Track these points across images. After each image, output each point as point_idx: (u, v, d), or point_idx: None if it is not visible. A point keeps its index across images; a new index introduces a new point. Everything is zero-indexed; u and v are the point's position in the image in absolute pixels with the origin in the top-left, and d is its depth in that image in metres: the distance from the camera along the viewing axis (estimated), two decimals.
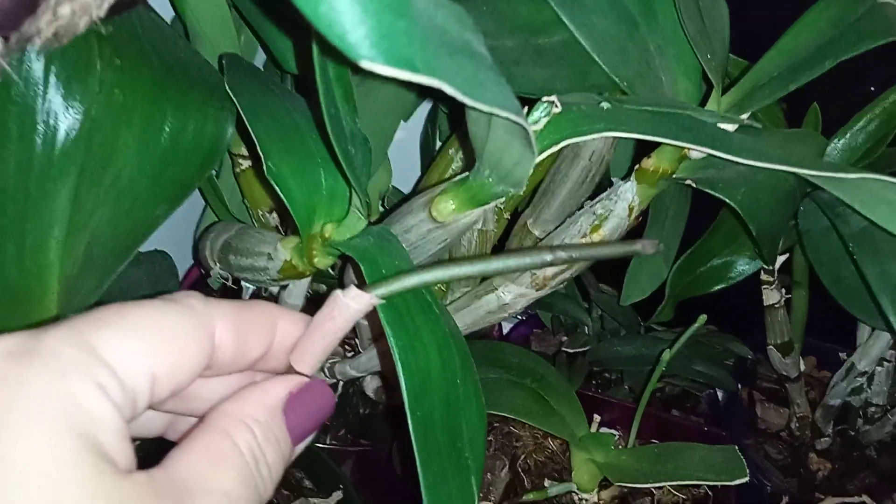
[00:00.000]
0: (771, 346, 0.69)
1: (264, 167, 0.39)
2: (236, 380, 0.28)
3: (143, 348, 0.22)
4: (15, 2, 0.26)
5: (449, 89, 0.21)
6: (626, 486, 0.61)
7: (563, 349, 0.77)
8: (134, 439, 0.28)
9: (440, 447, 0.34)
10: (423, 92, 0.62)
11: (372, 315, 0.31)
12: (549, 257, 0.30)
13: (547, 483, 0.60)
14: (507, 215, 0.60)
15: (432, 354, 0.34)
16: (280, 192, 0.39)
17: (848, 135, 0.63)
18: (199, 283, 0.74)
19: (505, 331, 0.86)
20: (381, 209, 0.70)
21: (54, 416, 0.19)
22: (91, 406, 0.20)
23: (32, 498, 0.18)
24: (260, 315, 0.27)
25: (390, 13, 0.19)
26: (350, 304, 0.28)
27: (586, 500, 0.59)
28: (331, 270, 0.56)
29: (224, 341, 0.25)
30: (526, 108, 0.38)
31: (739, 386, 0.77)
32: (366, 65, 0.19)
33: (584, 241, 0.50)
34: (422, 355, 0.33)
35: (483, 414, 0.38)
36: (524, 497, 0.59)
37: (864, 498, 0.63)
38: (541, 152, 0.36)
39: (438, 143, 0.73)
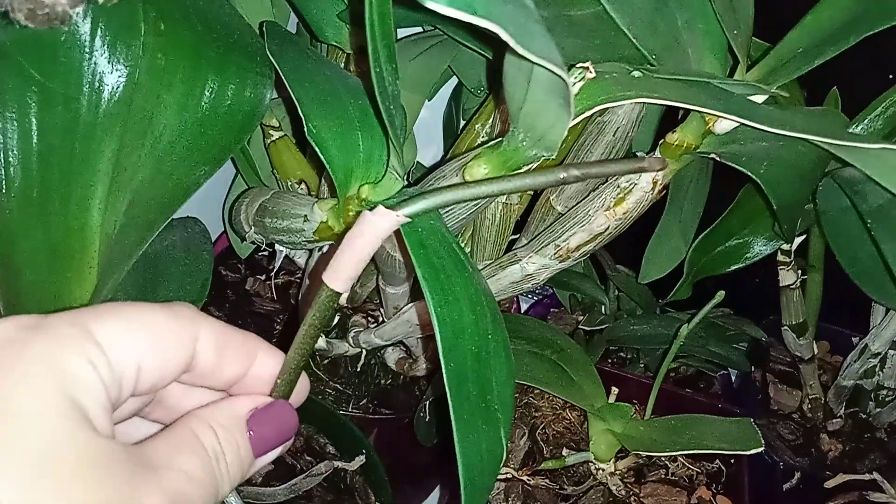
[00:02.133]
0: (786, 327, 0.70)
1: (305, 129, 0.41)
2: (209, 398, 0.31)
3: (133, 337, 0.25)
4: None
5: (504, 34, 0.22)
6: (641, 457, 0.62)
7: (581, 327, 0.78)
8: None
9: (472, 398, 0.35)
10: (477, 40, 0.63)
11: (411, 275, 0.32)
12: (562, 174, 0.31)
13: (565, 452, 0.62)
14: (530, 191, 0.61)
15: (465, 309, 0.35)
16: (320, 153, 0.40)
17: (866, 120, 0.63)
18: (227, 252, 0.75)
19: (523, 309, 0.88)
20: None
21: (47, 376, 0.22)
22: (79, 375, 0.23)
23: (23, 435, 0.21)
24: (243, 338, 0.29)
25: None
26: (378, 221, 0.29)
27: (603, 469, 0.61)
28: None
29: (204, 349, 0.27)
30: None
31: (753, 367, 0.78)
32: (431, 5, 0.20)
33: (607, 213, 0.51)
34: (455, 310, 0.34)
35: (512, 371, 0.39)
36: (542, 465, 0.61)
37: (875, 475, 0.64)
38: (576, 116, 0.38)
39: (462, 122, 0.75)
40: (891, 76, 0.73)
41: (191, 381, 0.29)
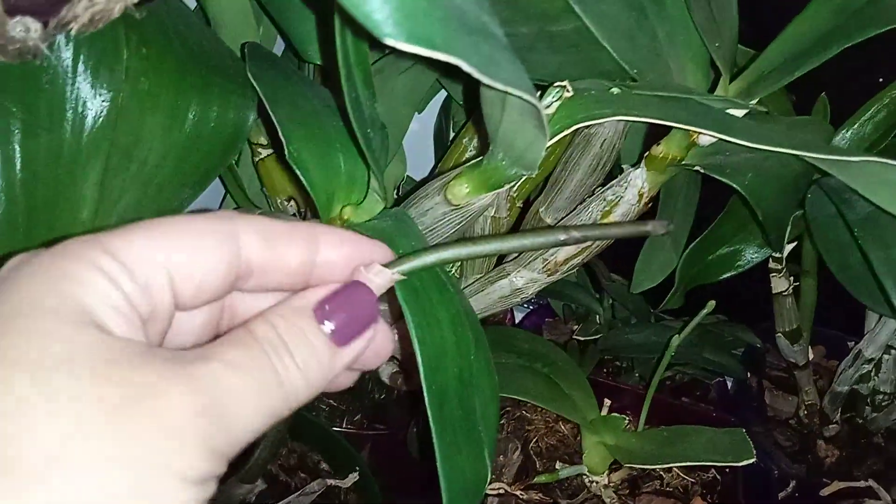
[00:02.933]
0: (779, 334, 0.70)
1: (286, 152, 0.41)
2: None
3: (156, 244, 0.23)
4: None
5: (466, 66, 0.22)
6: (635, 469, 0.62)
7: (575, 337, 0.78)
8: None
9: (454, 420, 0.35)
10: (445, 72, 0.63)
11: (391, 298, 0.32)
12: (562, 236, 0.31)
13: (558, 465, 0.62)
14: (519, 203, 0.61)
15: (447, 331, 0.35)
16: (301, 176, 0.40)
17: (856, 125, 0.63)
18: None
19: (517, 320, 0.87)
20: (395, 198, 0.71)
21: (47, 280, 0.21)
22: (86, 281, 0.22)
23: (16, 336, 0.20)
24: (292, 226, 0.27)
25: None
26: (372, 280, 0.29)
27: (597, 482, 0.61)
28: None
29: (250, 245, 0.25)
30: (539, 93, 0.39)
31: (748, 374, 0.78)
32: (389, 42, 0.20)
33: (598, 223, 0.51)
34: (437, 332, 0.34)
35: (495, 390, 0.39)
36: (536, 479, 0.60)
37: (870, 482, 0.64)
38: (553, 136, 0.38)
39: (452, 134, 0.75)
40: (880, 80, 0.73)
41: (259, 284, 0.26)
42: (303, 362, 0.24)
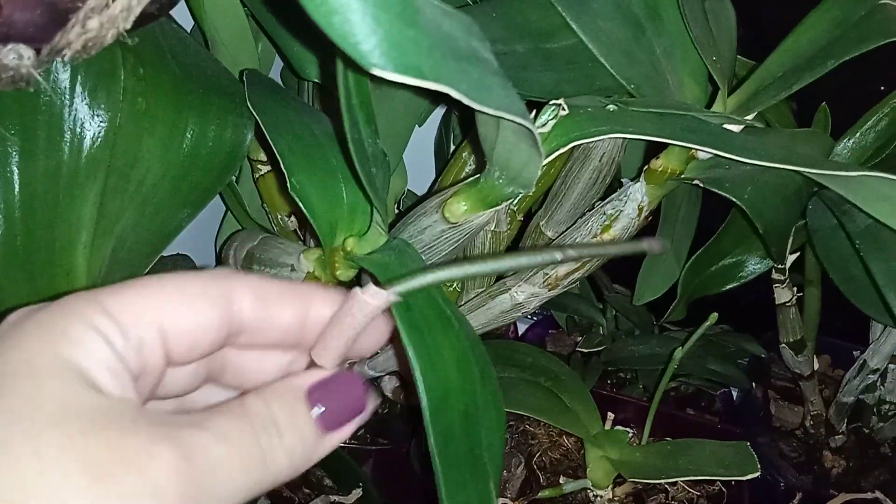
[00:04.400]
0: (783, 345, 0.70)
1: (288, 184, 0.41)
2: (283, 358, 0.29)
3: (149, 303, 0.24)
4: (46, 16, 0.28)
5: (455, 93, 0.22)
6: (639, 483, 0.62)
7: (578, 349, 0.78)
8: None
9: (459, 457, 0.34)
10: (437, 97, 0.63)
11: (395, 339, 0.32)
12: (559, 255, 0.31)
13: (562, 480, 0.61)
14: (520, 217, 0.61)
15: (452, 370, 0.34)
16: (303, 208, 0.40)
17: (857, 134, 0.63)
18: None
19: (521, 332, 0.87)
20: (396, 213, 0.71)
21: (42, 338, 0.22)
22: (81, 340, 0.22)
23: (7, 393, 0.21)
24: (286, 286, 0.27)
25: (400, 23, 0.21)
26: (368, 301, 0.29)
27: (601, 496, 0.60)
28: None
29: (243, 302, 0.26)
30: (535, 111, 0.39)
31: (754, 384, 0.78)
32: (377, 72, 0.20)
33: (594, 240, 0.51)
34: (441, 373, 0.33)
35: (502, 419, 0.39)
36: (540, 494, 0.60)
37: (878, 494, 0.63)
38: (550, 154, 0.38)
39: (452, 147, 0.75)
40: (882, 88, 0.72)
41: (251, 341, 0.27)
42: (289, 445, 0.25)
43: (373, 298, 0.29)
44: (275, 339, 0.27)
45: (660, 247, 0.32)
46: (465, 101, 0.23)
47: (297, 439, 0.25)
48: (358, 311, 0.29)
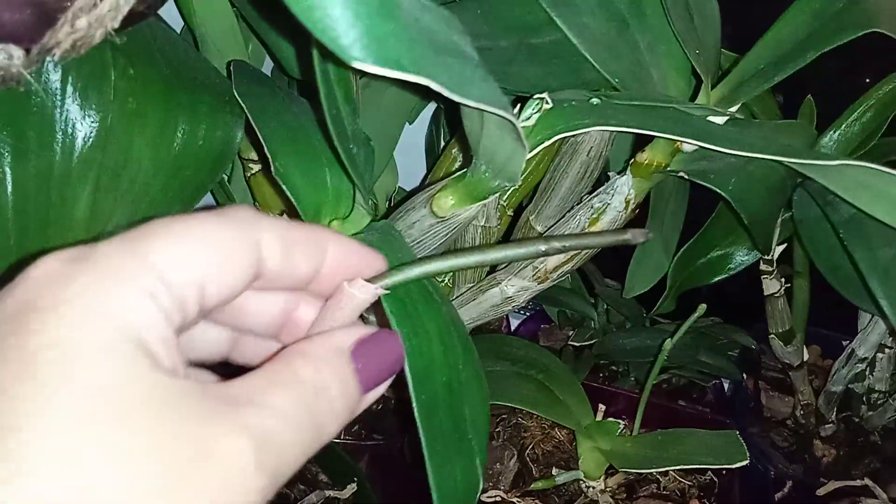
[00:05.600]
0: (772, 336, 0.70)
1: (272, 167, 0.41)
2: (290, 298, 0.29)
3: (191, 256, 0.22)
4: (35, 16, 0.28)
5: (435, 86, 0.23)
6: (631, 473, 0.62)
7: (570, 343, 0.78)
8: (201, 364, 0.28)
9: (444, 430, 0.36)
10: (426, 94, 0.64)
11: (378, 309, 0.32)
12: (543, 247, 0.32)
13: (554, 472, 0.62)
14: (510, 212, 0.62)
15: (434, 341, 0.36)
16: (287, 191, 0.41)
17: (843, 126, 0.64)
18: None
19: (513, 326, 0.88)
20: (387, 210, 0.71)
21: (103, 314, 0.20)
22: (138, 310, 0.21)
23: (78, 378, 0.19)
24: (309, 233, 0.27)
25: (379, 17, 0.21)
26: (356, 294, 0.29)
27: (593, 487, 0.61)
28: None
29: (271, 251, 0.25)
30: (519, 106, 0.40)
31: (744, 375, 0.78)
32: (357, 65, 0.21)
33: (579, 232, 0.52)
34: (425, 342, 0.35)
35: (485, 397, 0.40)
36: (532, 486, 0.61)
37: (867, 481, 0.64)
38: (534, 147, 0.38)
39: (443, 144, 0.75)
40: (867, 80, 0.73)
41: (262, 286, 0.26)
42: (339, 410, 0.25)
43: (361, 292, 0.29)
44: (289, 285, 0.27)
45: (644, 236, 0.32)
46: (446, 93, 0.23)
47: (346, 404, 0.25)
48: (347, 304, 0.30)
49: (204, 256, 0.23)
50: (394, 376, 0.29)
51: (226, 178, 0.64)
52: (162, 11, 0.46)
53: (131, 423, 0.19)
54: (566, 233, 0.53)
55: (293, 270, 0.26)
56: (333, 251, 0.28)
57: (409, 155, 0.77)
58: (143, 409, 0.19)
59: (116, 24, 0.31)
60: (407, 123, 0.69)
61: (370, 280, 0.30)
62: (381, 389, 0.28)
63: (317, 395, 0.24)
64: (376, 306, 0.32)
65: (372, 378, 0.27)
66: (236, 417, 0.21)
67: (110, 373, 0.19)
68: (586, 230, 0.51)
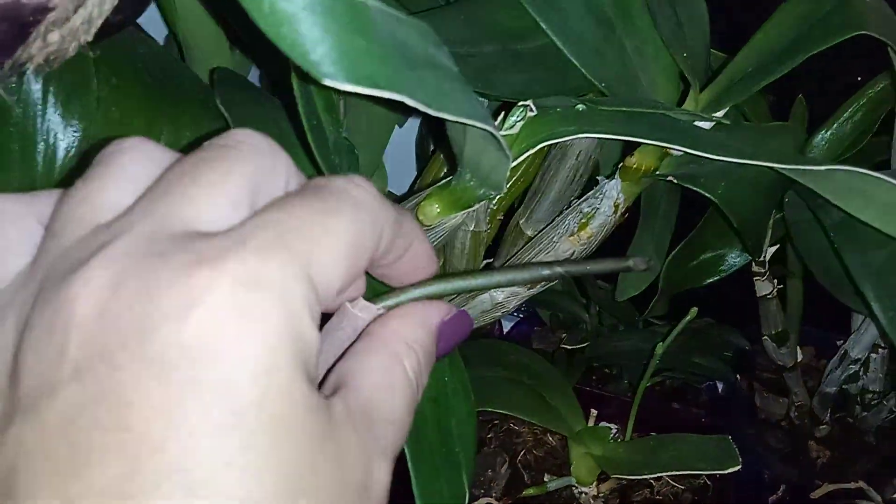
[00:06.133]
0: (766, 337, 0.70)
1: None
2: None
3: (340, 268, 0.21)
4: (7, 31, 0.28)
5: (411, 101, 0.22)
6: (624, 478, 0.62)
7: (563, 346, 0.78)
8: None
9: (431, 445, 0.35)
10: (406, 108, 0.63)
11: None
12: (546, 272, 0.32)
13: (547, 478, 0.62)
14: (500, 216, 0.61)
15: None
16: None
17: (835, 125, 0.63)
18: None
19: (506, 329, 0.87)
20: None
21: (285, 349, 0.19)
22: (309, 336, 0.20)
23: (256, 422, 0.18)
24: (411, 227, 0.26)
25: (349, 32, 0.21)
26: (359, 315, 0.29)
27: (585, 493, 0.61)
28: None
29: (384, 243, 0.24)
30: (504, 113, 0.39)
31: (738, 377, 0.78)
32: (328, 82, 0.20)
33: (571, 238, 0.51)
34: None
35: (472, 408, 0.39)
36: (525, 492, 0.60)
37: (861, 483, 0.64)
38: (519, 155, 0.38)
39: (432, 147, 0.75)
40: (859, 79, 0.73)
41: None
42: (423, 379, 0.26)
43: (362, 312, 0.29)
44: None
45: (644, 264, 0.32)
46: (422, 108, 0.23)
47: (426, 380, 0.26)
48: (348, 324, 0.29)
49: (348, 264, 0.21)
50: None
51: None
52: (145, 19, 0.46)
53: (286, 454, 0.18)
54: (555, 237, 0.52)
55: (385, 258, 0.25)
56: (415, 248, 0.27)
57: (400, 157, 0.76)
58: (298, 435, 0.19)
59: (90, 37, 0.31)
60: (397, 127, 0.69)
61: (371, 300, 0.29)
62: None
63: (417, 390, 0.25)
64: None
65: (442, 354, 0.28)
66: (378, 442, 0.21)
67: (269, 395, 0.18)
68: (575, 234, 0.51)
